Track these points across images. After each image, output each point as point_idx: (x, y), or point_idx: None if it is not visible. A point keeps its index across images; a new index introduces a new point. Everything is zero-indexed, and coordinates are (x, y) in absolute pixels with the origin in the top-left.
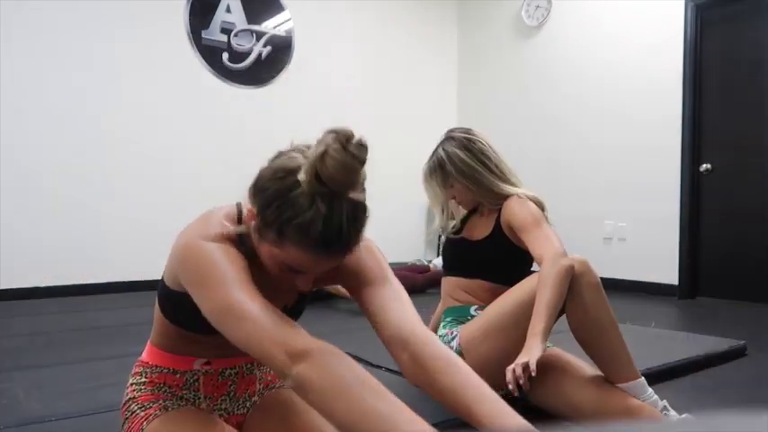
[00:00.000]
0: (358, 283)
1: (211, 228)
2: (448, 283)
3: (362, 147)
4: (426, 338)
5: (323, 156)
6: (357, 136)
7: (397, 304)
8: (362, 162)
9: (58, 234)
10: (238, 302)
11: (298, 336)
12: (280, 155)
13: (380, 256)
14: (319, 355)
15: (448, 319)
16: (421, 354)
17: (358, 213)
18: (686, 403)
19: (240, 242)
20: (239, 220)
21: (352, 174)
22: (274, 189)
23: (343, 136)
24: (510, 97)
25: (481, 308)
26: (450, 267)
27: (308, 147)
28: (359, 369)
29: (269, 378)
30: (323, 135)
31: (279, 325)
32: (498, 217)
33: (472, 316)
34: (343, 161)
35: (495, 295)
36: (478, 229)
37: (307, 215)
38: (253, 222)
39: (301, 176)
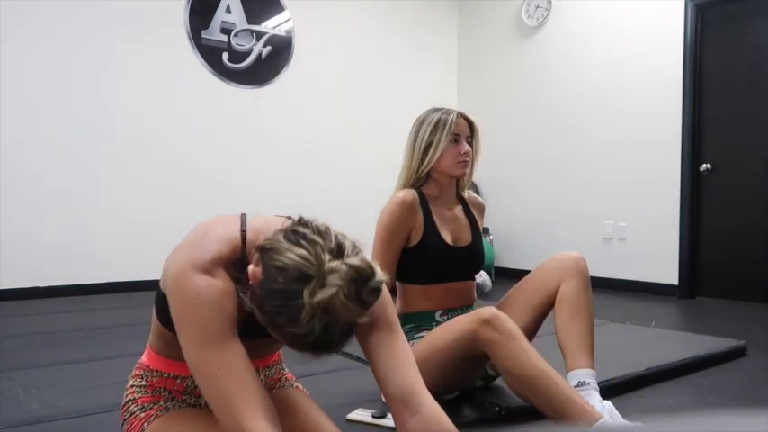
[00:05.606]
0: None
1: (206, 253)
2: (408, 290)
3: (376, 291)
4: (434, 412)
5: (334, 296)
6: (375, 275)
7: (402, 361)
8: (371, 305)
9: (59, 234)
10: (209, 365)
11: (251, 420)
12: (299, 232)
13: (387, 297)
14: None
15: (409, 326)
16: (428, 426)
17: (352, 328)
18: (686, 403)
19: (235, 267)
20: (243, 239)
21: (359, 315)
22: (280, 288)
23: (361, 276)
24: (510, 97)
25: (446, 312)
26: (430, 276)
27: (328, 240)
28: None
29: (272, 383)
30: (347, 246)
31: (239, 403)
32: (470, 215)
33: (438, 322)
34: (352, 307)
35: (464, 295)
36: (462, 234)
37: (302, 328)
38: (251, 283)
39: (307, 297)
